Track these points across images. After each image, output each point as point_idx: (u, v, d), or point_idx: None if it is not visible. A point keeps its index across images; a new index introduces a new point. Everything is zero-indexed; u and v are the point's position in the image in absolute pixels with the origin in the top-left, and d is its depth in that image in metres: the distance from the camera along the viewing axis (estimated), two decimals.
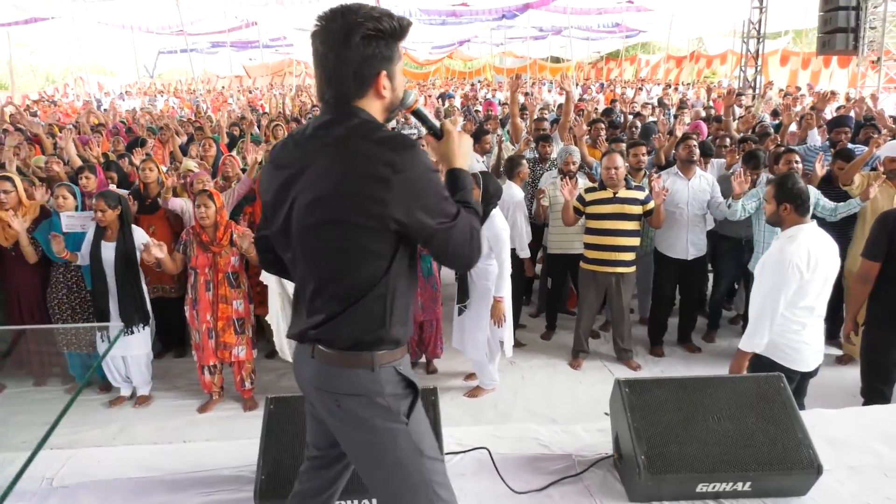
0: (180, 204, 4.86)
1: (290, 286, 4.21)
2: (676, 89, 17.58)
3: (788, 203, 3.21)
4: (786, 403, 2.61)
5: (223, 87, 28.67)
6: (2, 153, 5.82)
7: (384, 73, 1.57)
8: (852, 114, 7.62)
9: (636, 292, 5.98)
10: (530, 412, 4.45)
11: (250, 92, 23.54)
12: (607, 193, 4.81)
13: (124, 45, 22.58)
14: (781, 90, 13.96)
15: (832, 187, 5.04)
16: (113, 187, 5.10)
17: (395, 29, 1.55)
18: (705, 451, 2.47)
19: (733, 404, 2.60)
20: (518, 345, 5.49)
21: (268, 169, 1.69)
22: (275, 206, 1.65)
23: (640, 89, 17.52)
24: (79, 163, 5.79)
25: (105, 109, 15.98)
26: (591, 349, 5.38)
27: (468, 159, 1.79)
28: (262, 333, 5.09)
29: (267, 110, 15.03)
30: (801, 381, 3.41)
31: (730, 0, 15.83)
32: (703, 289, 5.84)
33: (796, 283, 3.12)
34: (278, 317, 4.26)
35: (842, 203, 4.64)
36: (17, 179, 4.76)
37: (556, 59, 34.97)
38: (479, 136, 6.35)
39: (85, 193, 4.90)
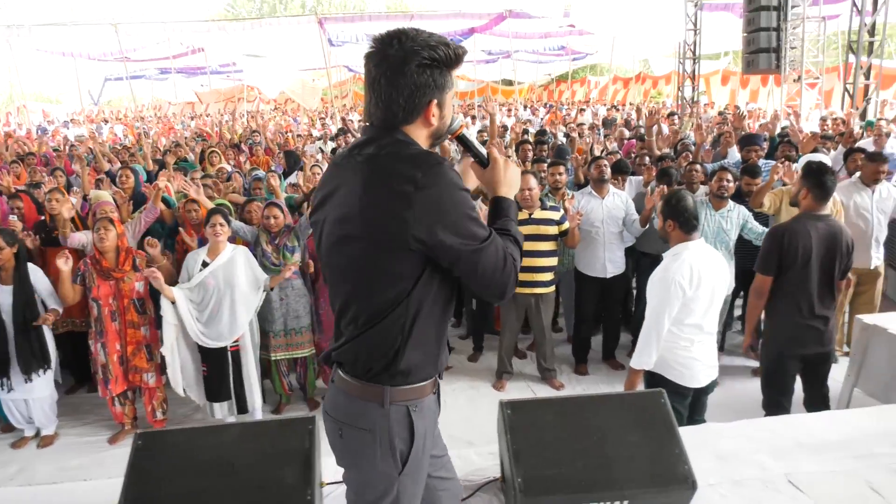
0: (79, 238, 4.69)
1: (186, 317, 4.11)
2: (618, 110, 17.93)
3: (672, 220, 3.26)
4: (665, 420, 2.61)
5: (173, 114, 28.32)
6: None
7: (435, 101, 1.55)
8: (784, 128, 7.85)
9: (563, 311, 6.03)
10: (448, 436, 4.32)
11: (199, 118, 23.30)
12: (523, 215, 4.83)
13: (67, 73, 22.15)
14: (721, 111, 14.35)
15: (742, 202, 5.16)
16: (13, 219, 4.91)
17: (450, 58, 1.52)
18: (583, 471, 2.45)
19: (615, 423, 2.60)
20: (446, 368, 5.46)
21: (316, 190, 1.74)
22: (313, 226, 1.71)
23: (583, 111, 17.84)
24: None
25: (46, 139, 15.61)
26: (517, 370, 5.38)
27: (515, 188, 1.74)
28: None
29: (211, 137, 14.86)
30: (696, 397, 3.45)
31: (667, 23, 16.30)
32: (628, 306, 5.91)
33: (679, 301, 3.17)
34: (173, 348, 4.14)
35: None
36: None
37: (508, 82, 35.47)
38: None
39: None
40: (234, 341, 4.27)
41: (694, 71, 14.90)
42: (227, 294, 4.13)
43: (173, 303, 4.08)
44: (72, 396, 5.19)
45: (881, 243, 5.05)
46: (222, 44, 19.47)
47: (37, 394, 4.29)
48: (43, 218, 5.12)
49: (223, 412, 4.42)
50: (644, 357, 3.29)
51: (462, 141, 1.72)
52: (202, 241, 4.66)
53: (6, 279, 4.12)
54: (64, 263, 4.02)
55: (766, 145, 6.29)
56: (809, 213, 3.58)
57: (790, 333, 3.61)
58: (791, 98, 11.27)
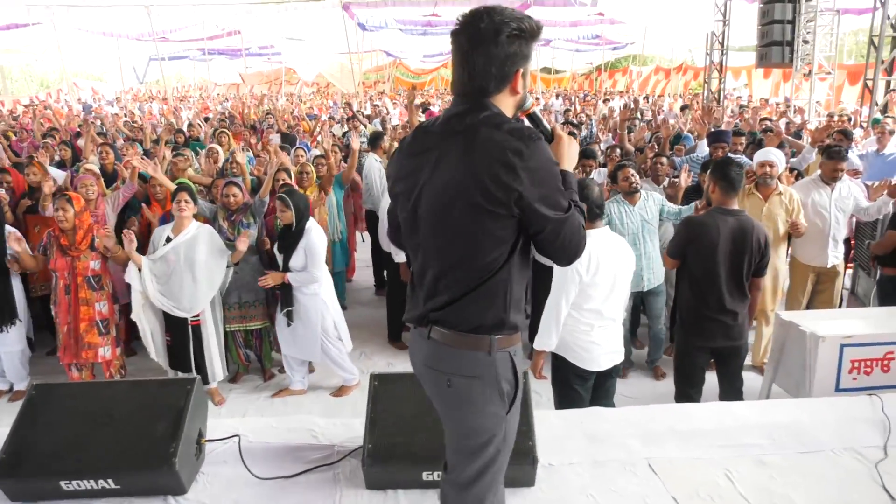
0: (52, 210, 5.00)
1: (149, 285, 4.36)
2: (647, 100, 17.69)
3: None
4: (525, 398, 2.73)
5: (218, 94, 29.12)
6: None
7: (521, 70, 1.68)
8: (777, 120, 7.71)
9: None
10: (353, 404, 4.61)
11: (236, 99, 23.89)
12: None
13: (110, 52, 23.01)
14: (743, 105, 14.02)
15: (700, 197, 5.16)
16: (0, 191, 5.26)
17: (533, 29, 1.65)
18: (427, 443, 2.59)
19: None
20: (404, 347, 5.65)
21: (398, 158, 1.79)
22: (405, 192, 1.74)
23: (607, 101, 17.65)
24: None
25: (93, 115, 16.33)
26: None
27: (574, 162, 1.90)
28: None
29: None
30: (601, 380, 3.53)
31: (700, 13, 15.95)
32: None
33: (576, 286, 3.26)
34: (139, 315, 4.40)
35: (685, 206, 4.78)
36: None
37: (548, 70, 35.21)
38: (375, 141, 6.54)
39: None
40: (196, 315, 4.51)
41: (722, 63, 14.55)
42: (187, 270, 4.36)
43: (139, 270, 4.34)
44: (52, 358, 5.54)
45: (839, 242, 4.98)
46: (258, 26, 19.91)
47: (7, 347, 4.64)
48: (28, 189, 5.46)
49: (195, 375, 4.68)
50: (545, 339, 3.40)
51: (532, 118, 1.85)
52: (165, 218, 4.93)
53: None
54: (17, 244, 4.34)
55: (744, 140, 6.22)
56: (719, 207, 3.60)
57: (697, 326, 3.66)
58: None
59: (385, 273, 6.10)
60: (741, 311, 3.63)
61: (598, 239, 3.31)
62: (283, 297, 4.55)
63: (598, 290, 3.29)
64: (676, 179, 5.16)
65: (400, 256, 5.47)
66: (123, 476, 2.56)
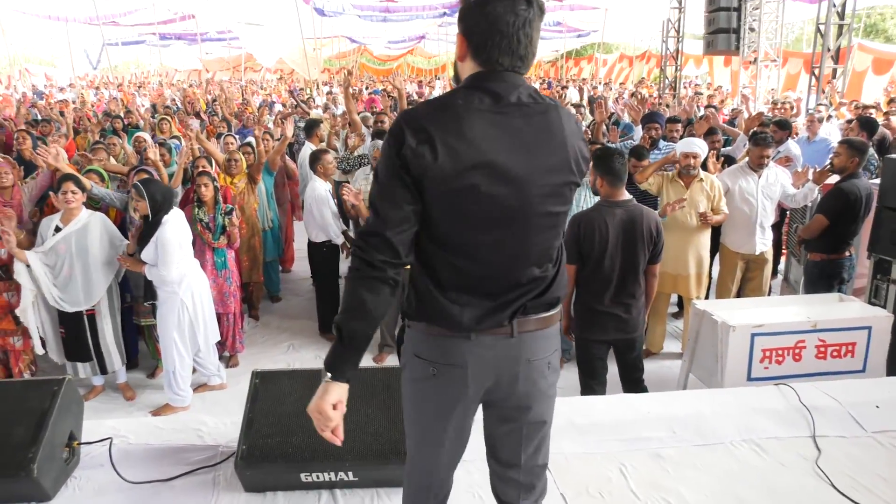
0: None
1: (42, 280, 4.16)
2: (608, 86, 17.68)
3: None
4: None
5: (178, 81, 28.45)
6: None
7: None
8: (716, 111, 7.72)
9: None
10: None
11: (198, 86, 23.37)
12: None
13: (60, 36, 22.31)
14: (700, 93, 14.07)
15: (629, 184, 5.10)
16: None
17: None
18: (306, 442, 2.49)
19: (354, 394, 2.62)
20: (333, 339, 5.51)
21: (464, 139, 1.46)
22: (488, 176, 1.49)
23: (565, 87, 17.60)
24: None
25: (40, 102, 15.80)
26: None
27: None
28: None
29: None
30: None
31: (655, 1, 15.96)
32: None
33: None
34: (26, 310, 4.20)
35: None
36: None
37: None
38: (310, 129, 6.38)
39: None
40: (90, 306, 4.33)
41: (678, 50, 14.58)
42: (79, 260, 4.17)
43: (28, 267, 4.14)
44: None
45: (767, 228, 4.98)
46: (213, 11, 19.43)
47: None
48: None
49: (86, 372, 4.50)
50: None
51: None
52: None
53: None
54: None
55: (679, 127, 6.18)
56: (607, 199, 3.51)
57: (589, 320, 3.59)
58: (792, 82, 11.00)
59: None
60: (635, 303, 3.55)
61: None
62: (146, 289, 4.38)
63: None
64: None
65: (340, 238, 5.34)
66: None
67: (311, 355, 5.31)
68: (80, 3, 16.59)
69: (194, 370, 4.53)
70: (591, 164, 3.55)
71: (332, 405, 1.56)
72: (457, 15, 1.59)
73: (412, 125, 1.47)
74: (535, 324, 1.65)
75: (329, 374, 1.56)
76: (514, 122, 1.51)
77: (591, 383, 3.64)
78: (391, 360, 5.18)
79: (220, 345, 5.01)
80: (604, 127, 6.30)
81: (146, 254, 4.11)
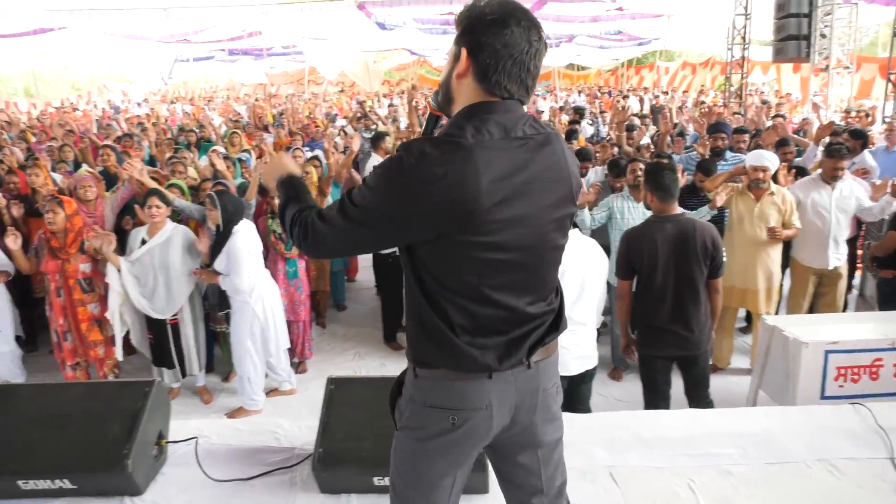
0: None
1: (130, 285, 4.41)
2: (668, 95, 17.39)
3: None
4: None
5: (245, 95, 29.44)
6: None
7: None
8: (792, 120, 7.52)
9: None
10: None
11: (265, 100, 24.13)
12: None
13: (136, 54, 23.45)
14: (766, 101, 13.68)
15: (696, 196, 5.06)
16: None
17: None
18: (381, 447, 2.57)
19: None
20: (399, 348, 5.64)
21: (484, 183, 1.39)
22: (508, 219, 1.46)
23: (626, 97, 17.39)
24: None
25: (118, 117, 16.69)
26: None
27: None
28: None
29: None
30: (573, 385, 3.48)
31: (721, 7, 15.63)
32: None
33: None
34: (114, 314, 4.45)
35: (598, 216, 4.74)
36: None
37: (572, 67, 34.88)
38: (377, 141, 6.54)
39: None
40: (174, 314, 4.56)
41: (743, 57, 14.26)
42: (161, 272, 4.41)
43: (118, 272, 4.40)
44: (53, 356, 5.65)
45: (841, 243, 4.84)
46: (278, 27, 20.06)
47: None
48: (32, 191, 5.58)
49: (170, 378, 4.75)
50: None
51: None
52: None
53: None
54: (13, 242, 4.41)
55: (746, 137, 6.06)
56: (658, 215, 3.50)
57: (649, 336, 3.58)
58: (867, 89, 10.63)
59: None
60: (696, 319, 3.51)
61: None
62: (220, 299, 4.55)
63: (565, 294, 3.23)
64: None
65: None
66: (79, 477, 2.59)
67: (376, 363, 5.44)
68: (156, 23, 17.42)
69: (266, 375, 4.71)
70: (643, 179, 3.56)
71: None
72: (458, 26, 1.50)
73: (430, 170, 1.38)
74: (545, 352, 1.64)
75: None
76: (521, 157, 1.46)
77: (655, 399, 3.63)
78: None
79: (290, 351, 5.20)
80: (668, 138, 6.24)
81: (218, 263, 4.31)
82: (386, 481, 2.57)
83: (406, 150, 1.41)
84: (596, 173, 5.74)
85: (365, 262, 7.54)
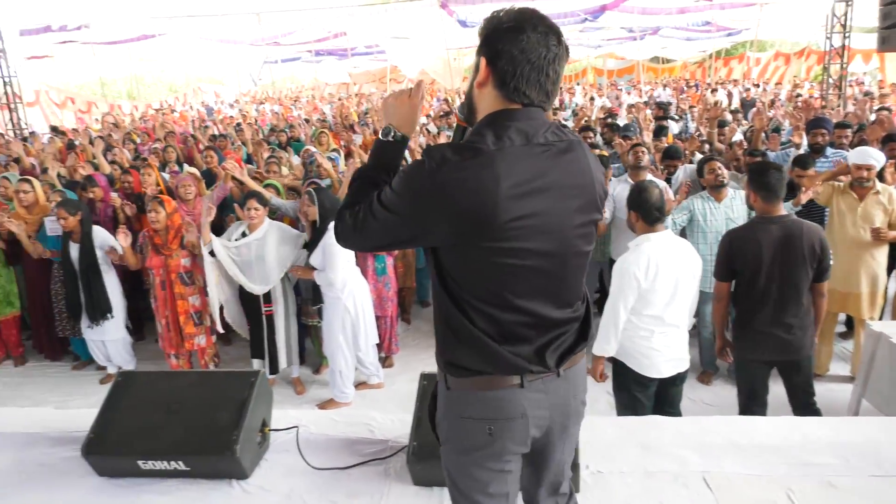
0: None
1: (226, 260, 4.64)
2: (759, 87, 16.66)
3: (635, 211, 3.28)
4: None
5: (329, 94, 30.29)
6: (45, 160, 6.77)
7: None
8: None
9: None
10: None
11: (347, 99, 24.75)
12: None
13: (227, 58, 24.54)
14: (868, 92, 12.92)
15: (792, 194, 4.86)
16: (114, 195, 5.79)
17: None
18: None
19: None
20: None
21: (504, 189, 1.40)
22: (529, 226, 1.46)
23: (715, 91, 16.75)
24: (107, 169, 6.62)
25: (213, 118, 17.61)
26: None
27: None
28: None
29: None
30: (663, 388, 3.44)
31: None
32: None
33: (634, 292, 3.20)
34: (214, 288, 4.71)
35: (679, 218, 4.58)
36: (37, 183, 5.59)
37: (656, 59, 33.92)
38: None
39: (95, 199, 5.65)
40: (268, 306, 4.79)
41: (843, 46, 13.50)
42: (258, 262, 4.66)
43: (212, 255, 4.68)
44: (157, 345, 6.04)
45: None
46: (363, 27, 20.52)
47: (109, 336, 5.14)
48: (142, 191, 5.98)
49: (259, 367, 5.00)
50: (603, 344, 3.37)
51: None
52: None
53: (76, 238, 4.97)
54: (124, 240, 4.79)
55: (849, 133, 5.75)
56: (762, 216, 3.38)
57: (749, 340, 3.47)
58: None
59: None
60: (797, 323, 3.39)
61: (658, 243, 3.23)
62: (313, 294, 4.71)
63: (657, 296, 3.21)
64: None
65: None
66: (192, 459, 2.79)
67: None
68: (249, 27, 18.23)
69: (355, 369, 4.88)
70: (747, 178, 3.46)
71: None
72: (479, 37, 1.50)
73: (451, 174, 1.40)
74: (573, 361, 1.63)
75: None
76: (543, 163, 1.46)
77: (751, 405, 3.53)
78: None
79: (377, 346, 5.36)
80: (763, 135, 6.01)
81: (314, 259, 4.50)
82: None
83: (428, 155, 1.43)
84: (685, 171, 5.60)
85: None
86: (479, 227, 1.41)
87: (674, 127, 8.59)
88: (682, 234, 4.69)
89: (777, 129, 6.51)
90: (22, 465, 3.08)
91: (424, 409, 2.79)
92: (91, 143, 8.56)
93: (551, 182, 1.46)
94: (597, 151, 5.64)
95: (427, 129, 11.69)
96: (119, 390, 3.01)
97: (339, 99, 22.11)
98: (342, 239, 1.59)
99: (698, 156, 5.82)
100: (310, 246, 4.59)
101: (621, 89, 21.69)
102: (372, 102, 16.84)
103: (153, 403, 2.92)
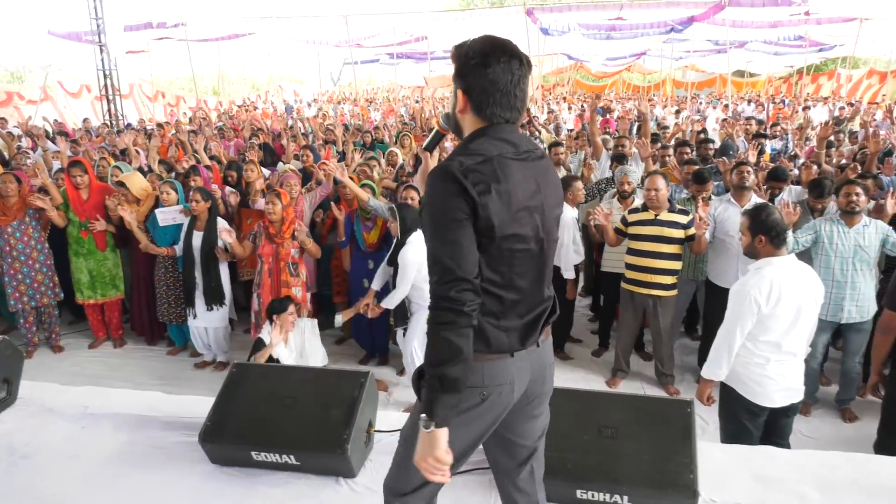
0: (262, 204, 5.62)
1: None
2: (853, 106, 15.86)
3: (764, 234, 3.16)
4: (683, 428, 2.64)
5: (404, 97, 30.71)
6: (151, 152, 7.08)
7: None
8: None
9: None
10: None
11: (424, 101, 25.04)
12: (648, 215, 4.81)
13: (310, 58, 25.17)
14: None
15: None
16: (214, 187, 6.01)
17: None
18: (584, 460, 2.60)
19: (628, 422, 2.69)
20: (566, 358, 5.64)
21: (512, 184, 1.68)
22: (527, 216, 1.73)
23: (808, 108, 16.07)
24: (207, 161, 6.88)
25: (293, 116, 18.11)
26: (638, 370, 5.38)
27: None
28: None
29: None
30: (774, 417, 3.31)
31: None
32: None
33: (753, 317, 3.09)
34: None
35: (803, 239, 4.33)
36: (139, 176, 5.87)
37: (741, 74, 32.89)
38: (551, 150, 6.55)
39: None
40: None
41: None
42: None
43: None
44: (248, 335, 6.22)
45: None
46: (445, 32, 20.70)
47: (215, 324, 5.34)
48: (245, 185, 6.18)
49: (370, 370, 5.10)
50: (713, 368, 3.26)
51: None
52: (349, 216, 5.35)
53: (200, 227, 5.21)
54: (228, 236, 5.00)
55: None
56: None
57: None
58: None
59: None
60: None
61: (781, 267, 3.11)
62: (398, 312, 4.74)
63: (778, 322, 3.09)
64: (883, 202, 4.64)
65: (569, 273, 5.44)
66: (303, 454, 2.85)
67: (578, 377, 5.41)
68: (335, 29, 18.67)
69: None
70: None
71: (444, 450, 1.67)
72: (453, 64, 1.73)
73: (469, 177, 1.61)
74: (547, 333, 1.92)
75: (434, 424, 1.64)
76: (529, 168, 1.75)
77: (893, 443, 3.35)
78: (625, 386, 5.17)
79: None
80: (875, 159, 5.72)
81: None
82: (588, 496, 2.61)
83: (449, 160, 1.66)
84: (790, 193, 5.39)
85: None
86: (497, 217, 1.65)
87: (773, 145, 8.30)
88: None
89: (889, 153, 6.18)
90: (136, 446, 3.22)
91: None
92: (185, 136, 8.89)
93: (538, 181, 1.77)
94: (694, 168, 5.48)
95: None
96: (234, 381, 3.10)
97: (417, 101, 22.34)
98: (458, 305, 1.63)
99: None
100: (391, 261, 4.66)
101: (702, 103, 21.11)
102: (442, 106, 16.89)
103: (267, 396, 3.00)
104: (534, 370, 1.86)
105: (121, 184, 5.65)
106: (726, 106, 18.05)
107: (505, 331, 1.76)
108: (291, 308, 4.46)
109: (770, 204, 3.26)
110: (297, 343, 4.57)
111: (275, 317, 4.38)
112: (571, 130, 11.25)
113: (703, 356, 5.28)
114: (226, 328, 5.47)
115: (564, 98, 26.58)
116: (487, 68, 1.64)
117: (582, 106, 19.12)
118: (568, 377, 5.31)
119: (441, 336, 1.61)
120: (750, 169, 4.86)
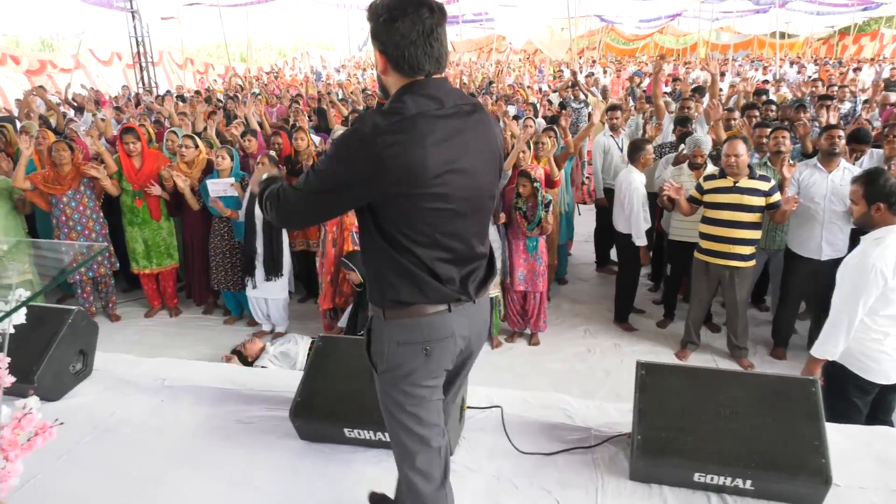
0: None
1: None
2: None
3: (882, 202, 2.95)
4: (811, 409, 2.47)
5: None
6: (198, 119, 6.95)
7: None
8: None
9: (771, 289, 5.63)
10: (615, 394, 4.47)
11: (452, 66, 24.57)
12: (727, 182, 4.57)
13: (340, 23, 24.77)
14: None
15: None
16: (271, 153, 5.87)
17: None
18: (703, 441, 2.45)
19: (750, 402, 2.53)
20: (630, 329, 5.48)
21: (429, 145, 1.62)
22: (451, 175, 1.68)
23: (858, 69, 15.42)
24: (256, 126, 6.73)
25: (322, 81, 17.85)
26: (707, 343, 5.21)
27: None
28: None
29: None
30: (882, 394, 3.13)
31: None
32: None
33: (878, 290, 2.90)
34: None
35: None
36: (199, 140, 5.73)
37: (781, 35, 31.78)
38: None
39: (248, 154, 5.73)
40: None
41: None
42: None
43: None
44: (303, 305, 6.15)
45: None
46: None
47: (273, 294, 5.25)
48: (295, 153, 6.02)
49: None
50: (829, 346, 3.08)
51: None
52: None
53: None
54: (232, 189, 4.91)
55: None
56: None
57: None
58: None
59: (616, 253, 5.90)
60: None
61: None
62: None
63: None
64: None
65: (641, 240, 5.25)
66: None
67: (608, 343, 5.31)
68: None
69: None
70: None
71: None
72: (370, 31, 1.67)
73: (384, 137, 1.58)
74: (484, 291, 1.93)
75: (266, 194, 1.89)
76: (457, 124, 1.69)
77: None
78: (695, 359, 5.00)
79: (523, 321, 5.24)
80: None
81: None
82: (706, 479, 2.46)
83: (360, 122, 1.64)
84: (871, 156, 5.10)
85: (580, 236, 7.42)
86: (412, 179, 1.62)
87: (845, 106, 7.94)
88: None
89: None
90: (218, 419, 3.13)
91: (645, 401, 2.62)
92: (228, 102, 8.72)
93: (466, 137, 1.70)
94: (766, 130, 5.20)
95: (549, 100, 11.36)
96: (319, 356, 2.99)
97: (459, 65, 21.92)
98: (281, 218, 1.82)
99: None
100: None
101: (749, 66, 20.43)
102: (486, 73, 16.51)
103: (355, 371, 2.88)
104: (472, 325, 1.91)
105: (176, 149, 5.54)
106: (766, 68, 17.44)
107: (441, 284, 1.78)
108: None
109: (885, 169, 3.03)
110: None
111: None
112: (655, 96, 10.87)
113: (777, 329, 5.09)
114: (285, 299, 5.38)
115: (594, 61, 25.89)
116: (395, 22, 1.60)
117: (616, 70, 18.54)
118: (635, 349, 5.16)
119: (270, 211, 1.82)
120: (841, 133, 4.58)
